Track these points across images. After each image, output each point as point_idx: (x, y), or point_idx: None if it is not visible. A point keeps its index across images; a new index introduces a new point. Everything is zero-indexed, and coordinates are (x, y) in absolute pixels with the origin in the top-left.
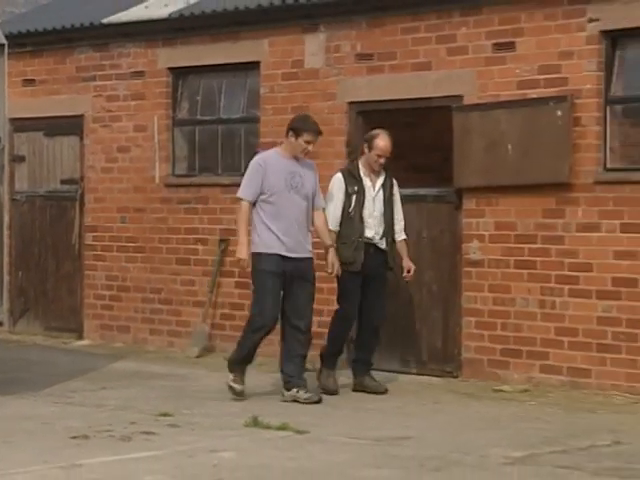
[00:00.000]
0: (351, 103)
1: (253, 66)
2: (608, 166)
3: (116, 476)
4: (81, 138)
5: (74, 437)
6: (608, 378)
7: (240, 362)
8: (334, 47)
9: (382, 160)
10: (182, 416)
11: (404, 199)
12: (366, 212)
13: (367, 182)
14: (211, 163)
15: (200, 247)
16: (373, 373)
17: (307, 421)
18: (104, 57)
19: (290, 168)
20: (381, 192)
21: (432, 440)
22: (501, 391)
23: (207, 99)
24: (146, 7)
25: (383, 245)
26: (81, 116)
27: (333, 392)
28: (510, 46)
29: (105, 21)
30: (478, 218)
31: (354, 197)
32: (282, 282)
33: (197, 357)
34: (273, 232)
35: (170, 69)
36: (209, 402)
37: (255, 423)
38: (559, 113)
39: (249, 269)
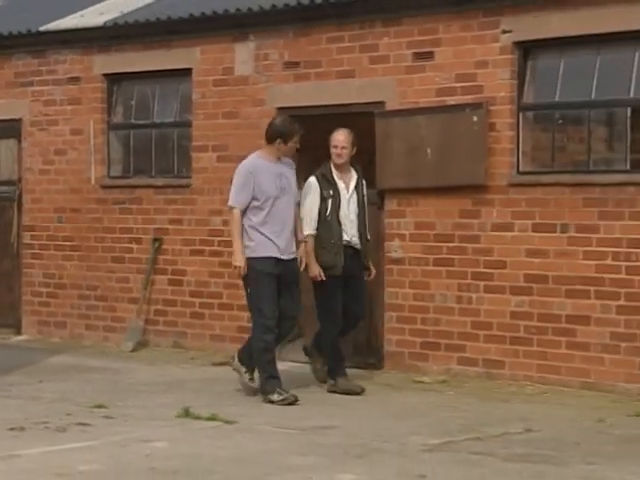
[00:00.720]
0: (279, 109)
1: (185, 73)
2: (521, 169)
3: (53, 466)
4: (19, 141)
5: (11, 429)
6: (521, 369)
7: (265, 374)
8: (263, 55)
9: (339, 151)
10: (116, 408)
11: None
12: (342, 215)
13: (341, 184)
14: (145, 165)
15: (135, 246)
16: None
17: (236, 412)
18: (41, 63)
19: (276, 170)
20: (355, 194)
21: (355, 429)
22: (421, 382)
23: (141, 104)
24: (82, 16)
25: (358, 246)
26: (19, 120)
27: (358, 391)
28: (429, 55)
29: (42, 29)
30: (399, 218)
31: (330, 201)
32: (275, 283)
33: (131, 351)
34: (266, 236)
35: (105, 75)
36: (142, 394)
37: (186, 414)
38: (475, 119)
39: (244, 274)
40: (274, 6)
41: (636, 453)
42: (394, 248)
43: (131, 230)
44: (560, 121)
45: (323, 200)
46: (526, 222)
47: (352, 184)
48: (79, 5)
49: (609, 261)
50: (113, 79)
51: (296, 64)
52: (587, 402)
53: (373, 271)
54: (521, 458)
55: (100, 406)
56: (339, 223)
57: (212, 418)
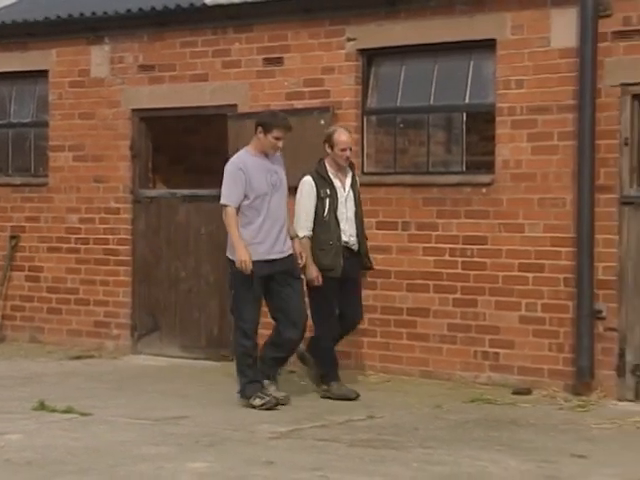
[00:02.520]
0: (134, 110)
1: (42, 74)
2: (365, 170)
3: None
4: None
5: None
6: (365, 359)
7: (245, 379)
8: (118, 58)
9: (347, 153)
10: None
11: (184, 199)
12: (340, 214)
13: (337, 183)
14: (2, 164)
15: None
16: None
17: (92, 404)
18: None
19: (266, 166)
20: (351, 192)
21: (207, 419)
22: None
23: None
24: None
25: (356, 246)
26: None
27: (352, 397)
28: (279, 61)
29: None
30: None
31: (327, 200)
32: (262, 286)
33: None
34: (253, 238)
35: None
36: None
37: (42, 407)
38: (322, 122)
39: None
40: (129, 11)
41: (470, 437)
42: None
43: None
44: (401, 125)
45: (320, 200)
46: (371, 220)
47: (348, 182)
48: None
49: (447, 257)
50: None
51: (151, 67)
52: (426, 390)
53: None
54: (364, 443)
55: None
56: (337, 223)
57: (68, 410)
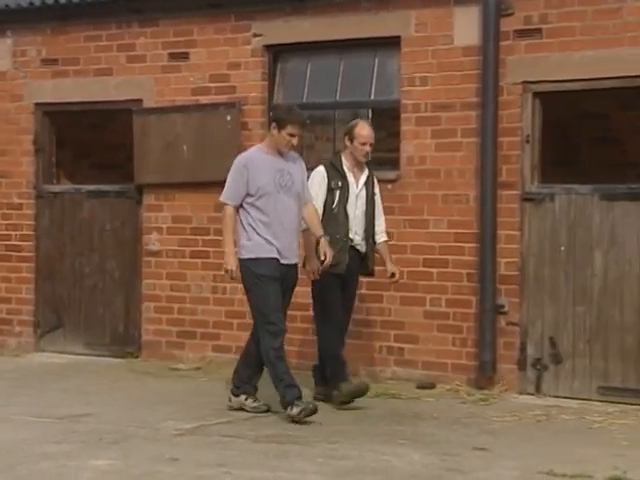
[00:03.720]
0: (37, 104)
1: None
2: None
3: None
4: None
5: None
6: None
7: (282, 383)
8: (20, 52)
9: (367, 148)
10: None
11: (89, 195)
12: (349, 209)
13: (350, 178)
14: None
15: None
16: None
17: None
18: None
19: (277, 165)
20: (364, 190)
21: (111, 416)
22: (177, 369)
23: None
24: None
25: (363, 248)
26: None
27: (364, 389)
28: (184, 56)
29: None
30: (157, 212)
31: (337, 192)
32: (278, 285)
33: None
34: (262, 236)
35: None
36: None
37: None
38: (228, 118)
39: (238, 278)
40: (31, 4)
41: (374, 431)
42: (152, 241)
43: None
44: (308, 121)
45: (330, 191)
46: None
47: (362, 179)
48: None
49: None
50: None
51: (54, 61)
52: None
53: (395, 271)
54: (269, 439)
55: None
56: (346, 217)
57: None
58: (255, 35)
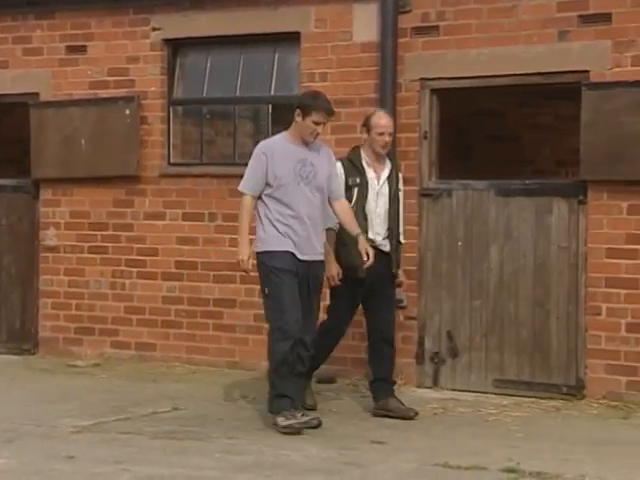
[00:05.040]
0: None
1: None
2: (172, 161)
3: None
4: None
5: None
6: (171, 351)
7: (283, 393)
8: None
9: (387, 138)
10: None
11: None
12: (369, 208)
13: (371, 173)
14: None
15: None
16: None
17: None
18: None
19: (300, 155)
20: (386, 186)
21: (6, 413)
22: (75, 366)
23: None
24: None
25: (387, 247)
26: None
27: (310, 407)
28: (82, 49)
29: None
30: (54, 207)
31: (356, 190)
32: (296, 282)
33: None
34: (278, 229)
35: None
36: None
37: None
38: (127, 112)
39: (250, 272)
40: None
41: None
42: (49, 236)
43: None
44: (208, 116)
45: (347, 189)
46: (177, 211)
47: (384, 174)
48: None
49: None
50: None
51: None
52: (232, 380)
53: (400, 280)
54: (167, 435)
55: None
56: (365, 217)
57: None
58: (154, 29)
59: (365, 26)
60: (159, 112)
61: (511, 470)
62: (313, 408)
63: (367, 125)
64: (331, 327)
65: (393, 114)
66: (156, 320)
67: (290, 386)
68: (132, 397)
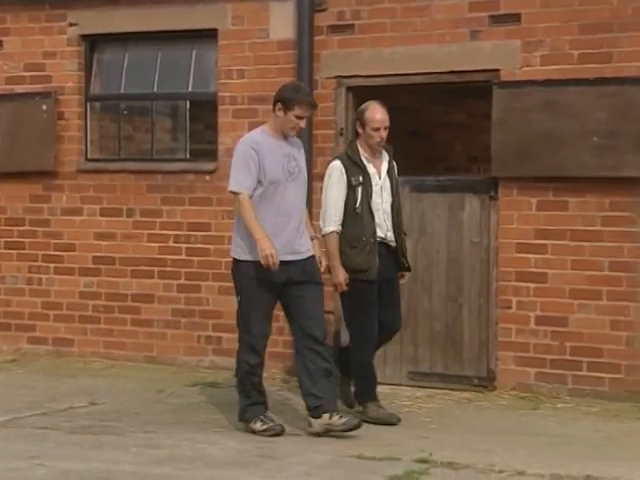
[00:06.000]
0: None
1: None
2: (89, 156)
3: None
4: None
5: None
6: (89, 346)
7: (247, 401)
8: None
9: (382, 134)
10: None
11: None
12: (375, 206)
13: (371, 169)
14: None
15: None
16: None
17: None
18: None
19: (284, 150)
20: (387, 179)
21: None
22: None
23: None
24: None
25: (393, 243)
26: None
27: (393, 423)
28: None
29: None
30: None
31: (360, 189)
32: (276, 293)
33: None
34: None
35: None
36: None
37: None
38: (44, 107)
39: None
40: None
41: (191, 420)
42: None
43: None
44: (125, 112)
45: (351, 189)
46: (94, 207)
47: (384, 168)
48: None
49: (171, 243)
50: None
51: None
52: (150, 375)
53: (407, 275)
54: (84, 430)
55: None
56: (372, 216)
57: None
58: (71, 24)
59: (281, 24)
60: (76, 108)
61: (423, 460)
62: (396, 422)
63: (361, 120)
64: (360, 340)
65: None
66: (73, 315)
67: (257, 394)
68: (49, 392)
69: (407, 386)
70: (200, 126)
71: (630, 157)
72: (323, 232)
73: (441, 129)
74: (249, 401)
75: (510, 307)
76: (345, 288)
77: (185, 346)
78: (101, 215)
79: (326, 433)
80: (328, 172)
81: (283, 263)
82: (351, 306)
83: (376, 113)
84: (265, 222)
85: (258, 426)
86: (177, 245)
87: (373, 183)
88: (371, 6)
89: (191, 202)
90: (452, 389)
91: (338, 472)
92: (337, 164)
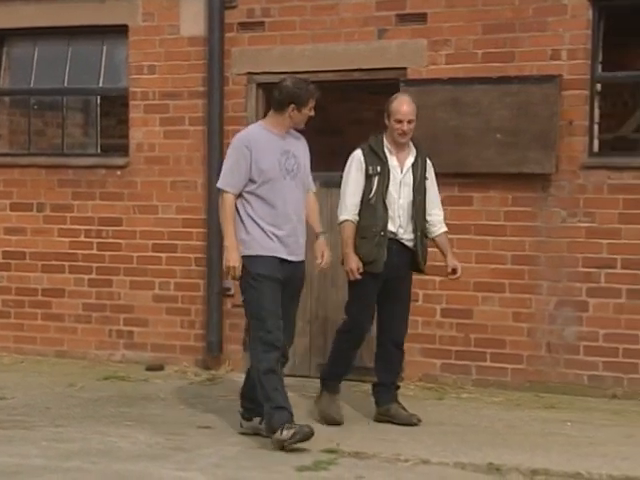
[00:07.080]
0: None
1: None
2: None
3: None
4: None
5: None
6: None
7: (270, 403)
8: None
9: (405, 127)
10: None
11: None
12: (390, 198)
13: (393, 161)
14: None
15: None
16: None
17: None
18: None
19: (283, 147)
20: (410, 174)
21: None
22: None
23: None
24: None
25: (410, 242)
26: None
27: (337, 422)
28: None
29: None
30: None
31: (376, 179)
32: (281, 288)
33: None
34: (264, 229)
35: None
36: None
37: None
38: None
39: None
40: None
41: (101, 414)
42: None
43: None
44: (36, 107)
45: (368, 178)
46: (4, 202)
47: (408, 162)
48: None
49: (82, 238)
50: None
51: None
52: (61, 369)
53: (457, 265)
54: None
55: None
56: (385, 208)
57: None
58: None
59: (192, 20)
60: None
61: (331, 451)
62: (339, 423)
63: (387, 111)
64: (351, 324)
65: (220, 107)
66: None
67: (281, 396)
68: None
69: (316, 378)
70: (111, 121)
71: (531, 154)
72: (338, 221)
73: (351, 126)
74: (272, 404)
75: (417, 300)
76: (358, 276)
77: (96, 340)
78: (11, 210)
79: (254, 434)
80: (349, 161)
81: (280, 261)
82: (351, 294)
83: (402, 105)
84: (261, 220)
85: (285, 436)
86: (88, 240)
87: (392, 176)
88: (281, 4)
89: (102, 197)
90: (362, 380)
91: (248, 463)
92: (357, 153)
